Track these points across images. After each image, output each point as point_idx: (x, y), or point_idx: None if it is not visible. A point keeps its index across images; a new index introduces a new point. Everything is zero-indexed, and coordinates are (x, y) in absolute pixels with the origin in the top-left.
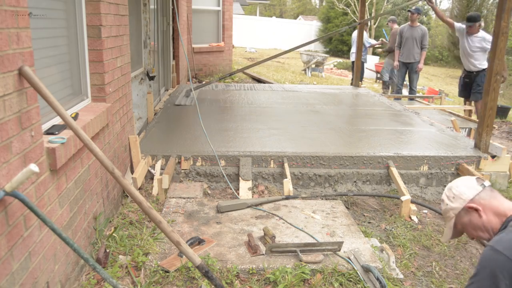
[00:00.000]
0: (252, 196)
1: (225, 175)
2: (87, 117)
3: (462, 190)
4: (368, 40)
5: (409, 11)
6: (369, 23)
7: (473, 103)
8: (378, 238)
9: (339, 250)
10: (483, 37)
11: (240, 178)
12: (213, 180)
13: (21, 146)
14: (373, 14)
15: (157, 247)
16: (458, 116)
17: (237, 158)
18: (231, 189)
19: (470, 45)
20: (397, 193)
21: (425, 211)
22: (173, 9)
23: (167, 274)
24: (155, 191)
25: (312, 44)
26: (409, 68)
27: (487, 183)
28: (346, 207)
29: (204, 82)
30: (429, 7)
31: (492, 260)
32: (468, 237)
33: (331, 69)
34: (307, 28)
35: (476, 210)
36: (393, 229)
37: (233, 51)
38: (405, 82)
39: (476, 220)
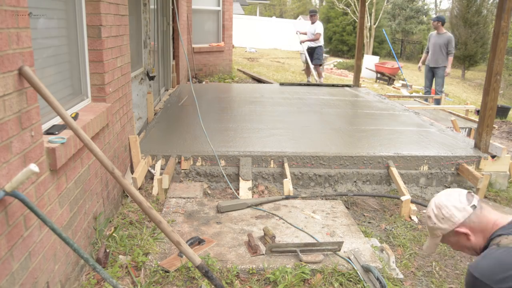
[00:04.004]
0: (252, 196)
1: (225, 175)
2: (87, 117)
3: (453, 212)
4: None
5: (432, 20)
6: (369, 23)
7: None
8: (378, 238)
9: (339, 250)
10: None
11: (240, 178)
12: (213, 180)
13: (21, 146)
14: (373, 14)
15: (157, 247)
16: (458, 116)
17: (237, 158)
18: (231, 189)
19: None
20: (397, 193)
21: (425, 211)
22: (173, 9)
23: (167, 274)
24: (155, 191)
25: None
26: (435, 73)
27: (475, 200)
28: (346, 207)
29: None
30: (429, 7)
31: (473, 286)
32: (453, 248)
33: (331, 69)
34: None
35: (466, 234)
36: (393, 229)
37: (233, 51)
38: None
39: (464, 242)
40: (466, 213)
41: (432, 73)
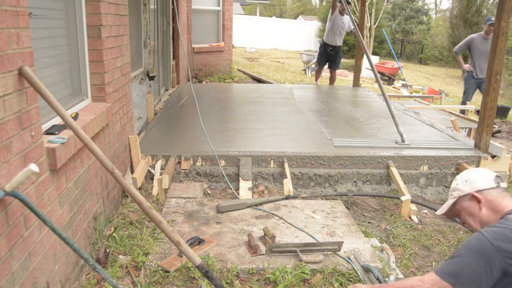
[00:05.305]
0: (252, 196)
1: (225, 175)
2: (87, 117)
3: (478, 178)
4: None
5: (487, 23)
6: (369, 23)
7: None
8: (378, 238)
9: (339, 250)
10: (350, 19)
11: (240, 178)
12: (213, 180)
13: (21, 146)
14: (373, 14)
15: (157, 247)
16: (458, 116)
17: (237, 158)
18: (231, 189)
19: (343, 25)
20: (397, 193)
21: (425, 211)
22: (173, 9)
23: (167, 274)
24: (155, 191)
25: (312, 43)
26: (481, 85)
27: (503, 184)
28: (346, 207)
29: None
30: (429, 7)
31: (477, 241)
32: (460, 220)
33: None
34: (307, 28)
35: (479, 201)
36: (393, 229)
37: (233, 51)
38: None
39: (474, 209)
40: (488, 184)
41: (477, 85)
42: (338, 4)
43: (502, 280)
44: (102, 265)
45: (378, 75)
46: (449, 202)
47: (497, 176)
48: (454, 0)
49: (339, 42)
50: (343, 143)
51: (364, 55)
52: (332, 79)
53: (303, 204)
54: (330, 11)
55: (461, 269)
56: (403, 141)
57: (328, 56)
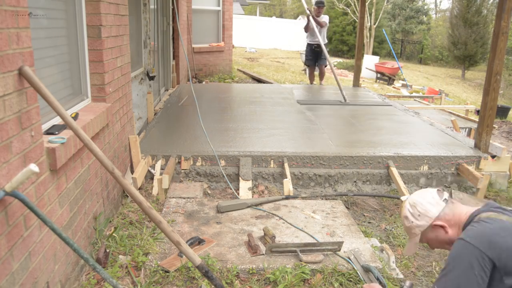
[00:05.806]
0: (252, 196)
1: (225, 175)
2: (87, 117)
3: (427, 207)
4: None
5: None
6: (369, 23)
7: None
8: (378, 238)
9: (339, 250)
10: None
11: (240, 178)
12: (213, 180)
13: (21, 146)
14: (373, 14)
15: (157, 247)
16: (458, 116)
17: (237, 158)
18: (231, 189)
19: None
20: (397, 193)
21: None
22: (173, 9)
23: (167, 274)
24: (155, 191)
25: None
26: None
27: (446, 194)
28: (346, 207)
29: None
30: (429, 7)
31: (461, 249)
32: (430, 247)
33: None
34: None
35: (443, 227)
36: (393, 229)
37: (233, 51)
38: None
39: (443, 236)
40: (440, 207)
41: None
42: (314, 8)
43: (494, 274)
44: (102, 265)
45: (330, 60)
46: (415, 240)
47: (437, 191)
48: (454, 0)
49: (318, 40)
50: (305, 102)
51: (364, 55)
52: (321, 75)
53: (303, 204)
54: None
55: (458, 284)
56: (345, 100)
57: (315, 54)
